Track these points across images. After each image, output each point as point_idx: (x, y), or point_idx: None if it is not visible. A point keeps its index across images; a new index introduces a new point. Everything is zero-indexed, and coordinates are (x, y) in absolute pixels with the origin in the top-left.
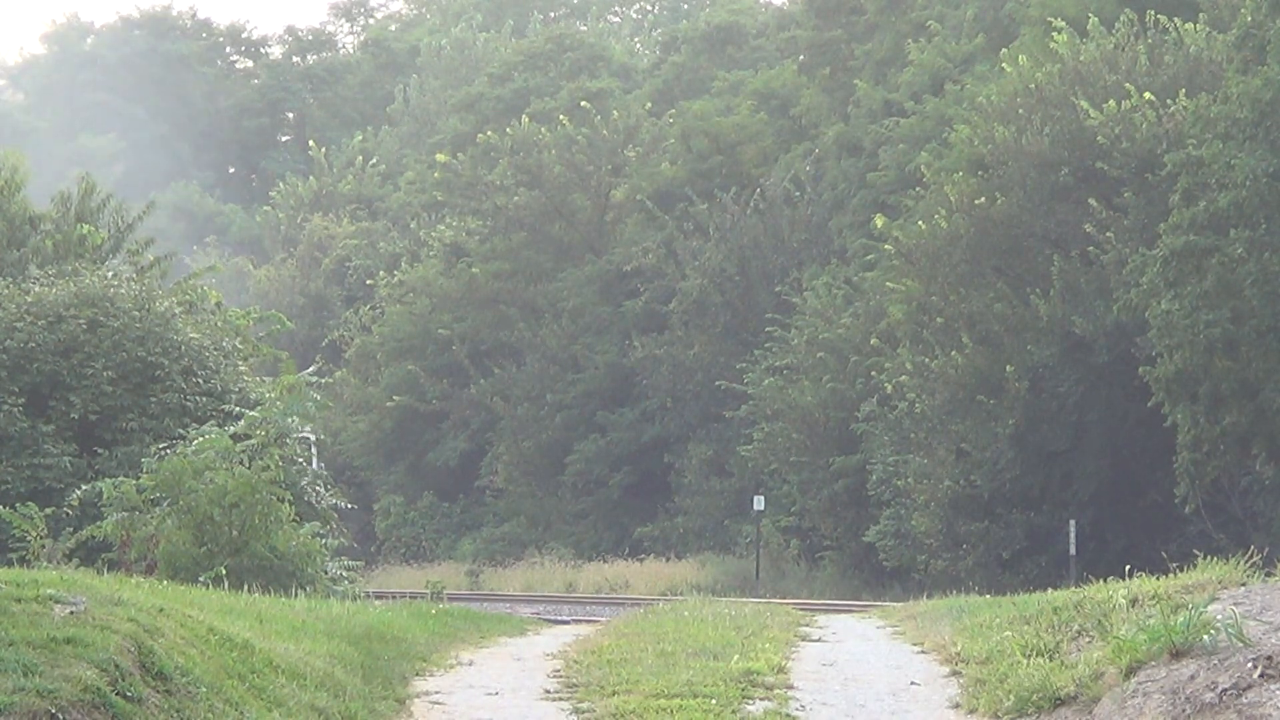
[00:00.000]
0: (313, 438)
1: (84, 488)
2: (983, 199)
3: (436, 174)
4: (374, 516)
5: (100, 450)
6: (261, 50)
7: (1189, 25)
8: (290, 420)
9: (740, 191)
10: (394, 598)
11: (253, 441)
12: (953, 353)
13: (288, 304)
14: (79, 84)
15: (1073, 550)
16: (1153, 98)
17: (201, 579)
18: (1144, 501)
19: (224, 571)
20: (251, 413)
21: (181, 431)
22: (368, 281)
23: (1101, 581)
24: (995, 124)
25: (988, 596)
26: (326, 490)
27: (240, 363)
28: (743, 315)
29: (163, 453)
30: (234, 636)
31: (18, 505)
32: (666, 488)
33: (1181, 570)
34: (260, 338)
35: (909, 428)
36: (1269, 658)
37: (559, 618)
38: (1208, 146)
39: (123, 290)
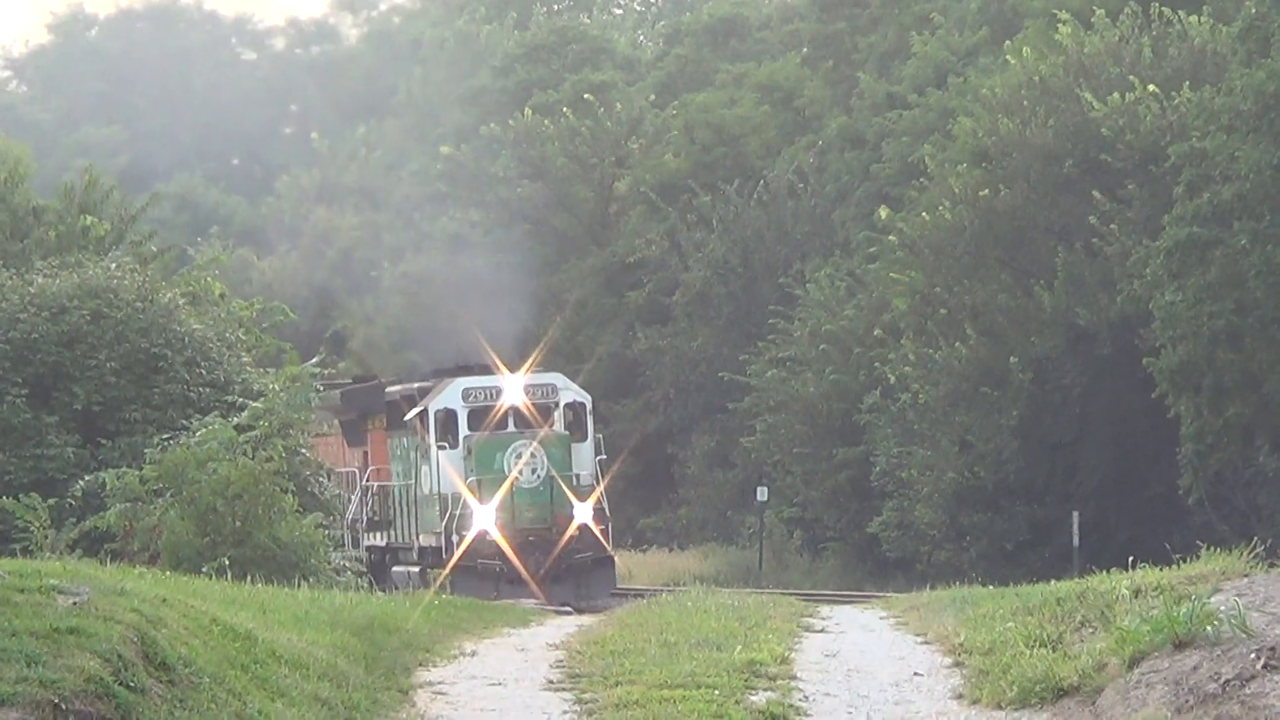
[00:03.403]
0: (588, 402)
1: (87, 478)
2: (986, 191)
3: (439, 166)
4: None
5: (103, 441)
6: (265, 42)
7: (1193, 18)
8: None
9: (743, 183)
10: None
11: (256, 433)
12: (956, 344)
13: (291, 295)
14: (83, 75)
15: (1076, 541)
16: (1157, 90)
17: (204, 570)
18: (1147, 493)
19: (227, 562)
20: (255, 404)
21: (184, 423)
22: (371, 273)
23: (1105, 573)
24: (999, 116)
25: (991, 588)
26: (597, 459)
27: (243, 354)
28: (746, 307)
29: (166, 444)
30: (237, 627)
31: (21, 496)
32: (670, 479)
33: (1185, 562)
34: (264, 329)
35: (912, 419)
36: (1272, 649)
37: (562, 608)
38: (1211, 139)
39: (126, 282)
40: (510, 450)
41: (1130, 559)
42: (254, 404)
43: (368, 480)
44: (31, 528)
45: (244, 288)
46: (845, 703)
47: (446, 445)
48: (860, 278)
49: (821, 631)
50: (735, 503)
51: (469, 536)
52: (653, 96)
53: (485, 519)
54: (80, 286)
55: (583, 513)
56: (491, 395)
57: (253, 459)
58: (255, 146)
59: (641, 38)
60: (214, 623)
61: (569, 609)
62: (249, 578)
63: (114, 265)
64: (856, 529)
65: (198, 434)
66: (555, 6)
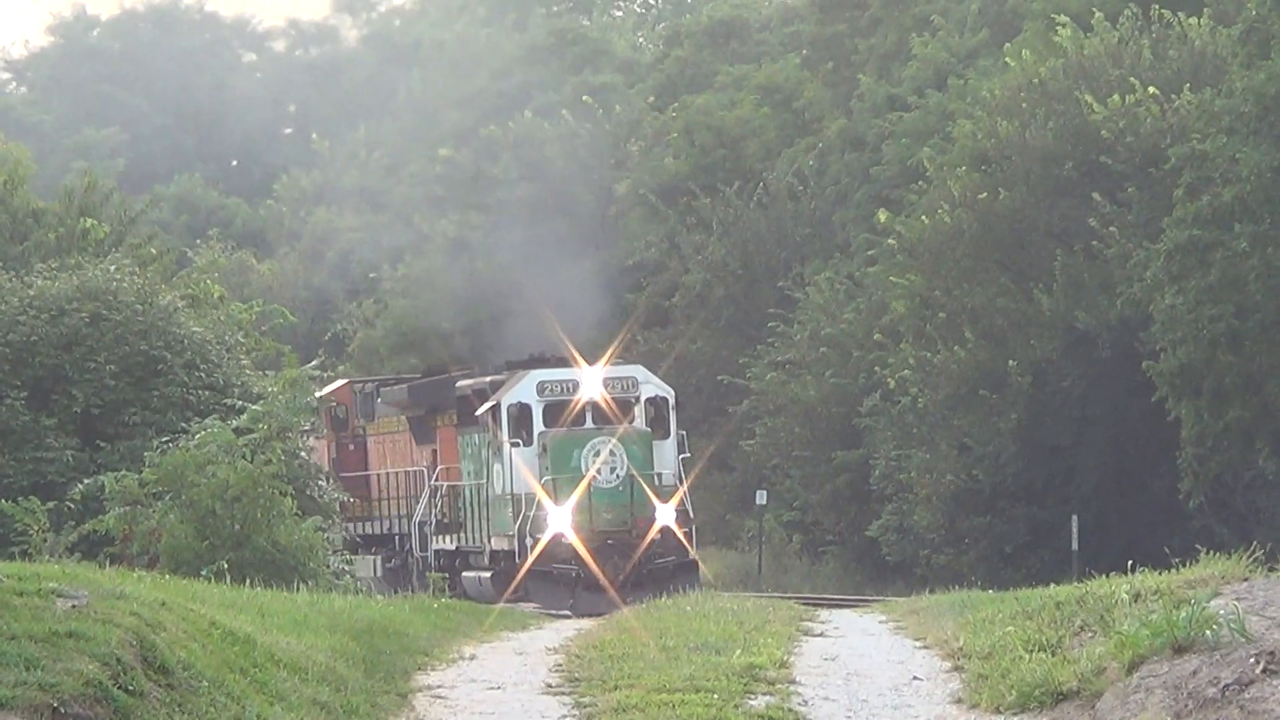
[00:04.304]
0: (670, 396)
1: (86, 482)
2: (986, 194)
3: (439, 168)
4: None
5: (102, 444)
6: (265, 44)
7: (1193, 19)
8: (638, 379)
9: (743, 186)
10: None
11: (255, 436)
12: (955, 347)
13: (291, 298)
14: (83, 76)
15: (1075, 545)
16: (1157, 92)
17: (203, 573)
18: (1147, 497)
19: (226, 565)
20: (254, 407)
21: (184, 425)
22: (371, 275)
23: (1104, 577)
24: (999, 118)
25: (990, 591)
26: (680, 457)
27: (243, 357)
28: (745, 310)
29: (165, 447)
30: (236, 630)
31: (20, 499)
32: None
33: (1184, 566)
34: (263, 331)
35: (911, 422)
36: (1271, 653)
37: (561, 612)
38: (1212, 141)
39: (125, 284)
40: (588, 448)
41: (1129, 563)
42: (253, 407)
43: (436, 480)
44: (30, 531)
45: (243, 290)
46: (844, 707)
47: (520, 442)
48: (860, 281)
49: (820, 635)
50: (734, 506)
51: (544, 539)
52: (652, 99)
53: (561, 521)
54: (80, 289)
55: (665, 514)
56: (568, 389)
57: (252, 462)
58: (255, 148)
59: (641, 40)
60: (213, 626)
61: (568, 613)
62: (248, 581)
63: (113, 267)
64: (856, 532)
65: (197, 437)
66: (554, 9)
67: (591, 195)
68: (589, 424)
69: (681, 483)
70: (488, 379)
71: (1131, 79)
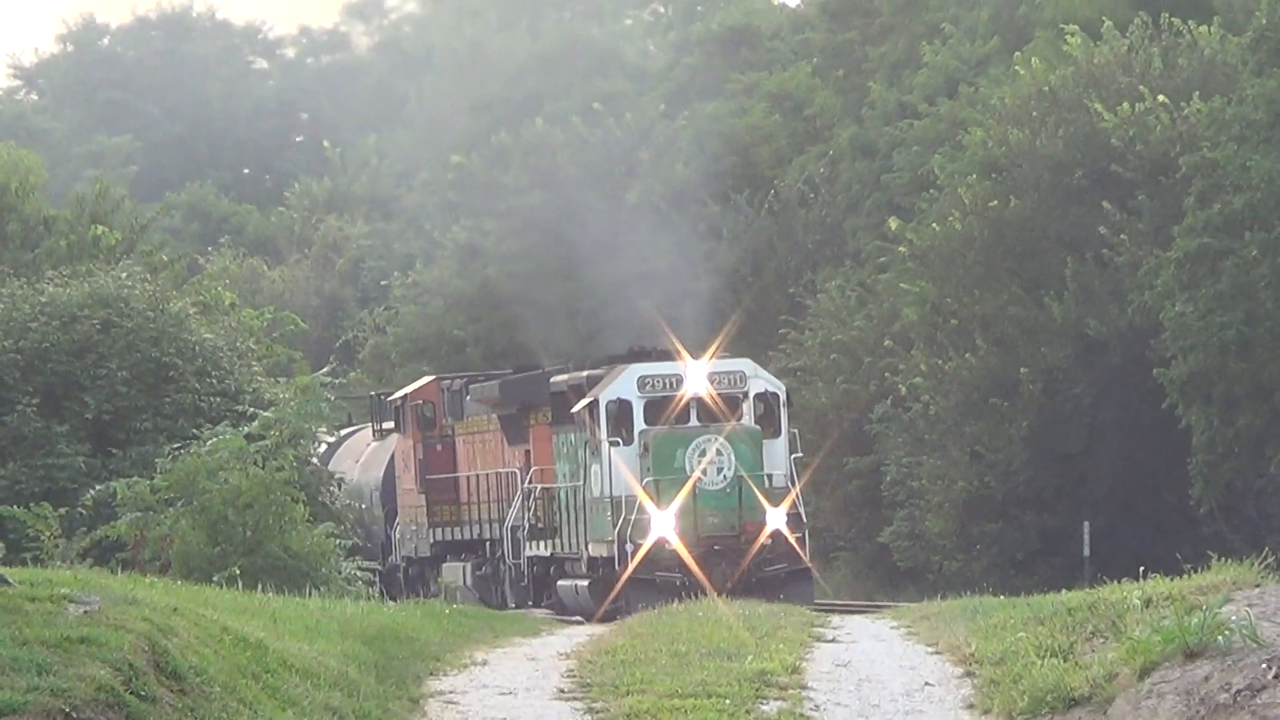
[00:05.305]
0: (781, 392)
1: (98, 488)
2: (996, 201)
3: (450, 175)
4: None
5: (114, 450)
6: (276, 51)
7: (1203, 28)
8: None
9: (754, 193)
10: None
11: (267, 442)
12: (966, 355)
13: (302, 305)
14: (94, 84)
15: (1087, 551)
16: (1167, 100)
17: (215, 579)
18: (1158, 503)
19: (238, 571)
20: (265, 413)
21: (195, 432)
22: (382, 282)
23: (1116, 583)
24: (1009, 126)
25: (1002, 597)
26: (792, 457)
27: (254, 363)
28: (757, 317)
29: (177, 453)
30: (248, 636)
31: (32, 505)
32: None
33: (1196, 572)
34: (274, 338)
35: (923, 429)
36: None
37: (573, 618)
38: (1222, 149)
39: (137, 291)
40: (693, 447)
41: (1141, 569)
42: (264, 413)
43: (530, 482)
44: (42, 537)
45: (255, 297)
46: (856, 712)
47: (620, 441)
48: (871, 288)
49: (832, 641)
50: None
51: (646, 545)
52: (663, 106)
53: (664, 525)
54: (91, 296)
55: (775, 518)
56: (671, 384)
57: (263, 468)
58: (266, 155)
59: (651, 47)
60: (225, 632)
61: (580, 619)
62: (260, 587)
63: (125, 274)
64: (867, 539)
65: (208, 443)
66: (566, 15)
67: (602, 203)
68: (694, 421)
69: (794, 484)
70: (584, 374)
71: (1141, 87)
